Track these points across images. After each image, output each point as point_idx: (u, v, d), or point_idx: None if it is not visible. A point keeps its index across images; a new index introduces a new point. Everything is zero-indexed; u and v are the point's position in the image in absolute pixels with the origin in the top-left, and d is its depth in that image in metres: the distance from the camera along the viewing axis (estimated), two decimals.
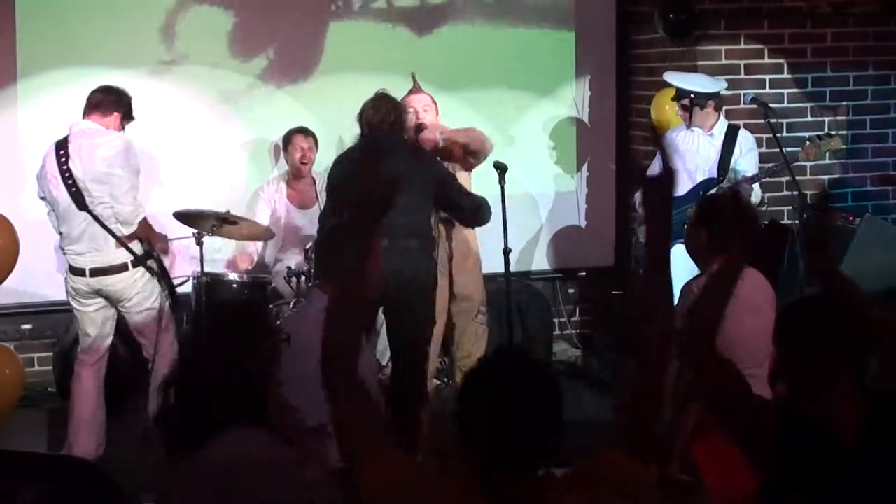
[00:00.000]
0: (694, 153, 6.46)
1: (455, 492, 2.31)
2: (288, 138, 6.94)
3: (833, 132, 6.76)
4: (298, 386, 3.53)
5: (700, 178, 6.44)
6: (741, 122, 6.73)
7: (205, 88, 7.15)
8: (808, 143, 6.46)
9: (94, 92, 5.81)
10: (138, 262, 5.71)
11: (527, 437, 2.31)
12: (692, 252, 4.49)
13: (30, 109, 6.88)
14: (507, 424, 2.30)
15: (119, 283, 5.72)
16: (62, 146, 5.70)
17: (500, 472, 2.30)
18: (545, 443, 2.33)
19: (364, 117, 5.65)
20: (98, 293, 5.76)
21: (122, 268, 5.70)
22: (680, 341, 2.75)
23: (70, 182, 5.63)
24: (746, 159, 6.49)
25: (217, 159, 7.22)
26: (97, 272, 5.69)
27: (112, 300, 5.79)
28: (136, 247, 5.74)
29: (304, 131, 6.93)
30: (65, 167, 5.65)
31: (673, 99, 6.65)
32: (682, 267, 5.87)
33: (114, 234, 5.66)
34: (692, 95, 6.45)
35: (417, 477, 2.35)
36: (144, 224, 5.75)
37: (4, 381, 6.11)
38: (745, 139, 6.52)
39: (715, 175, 6.41)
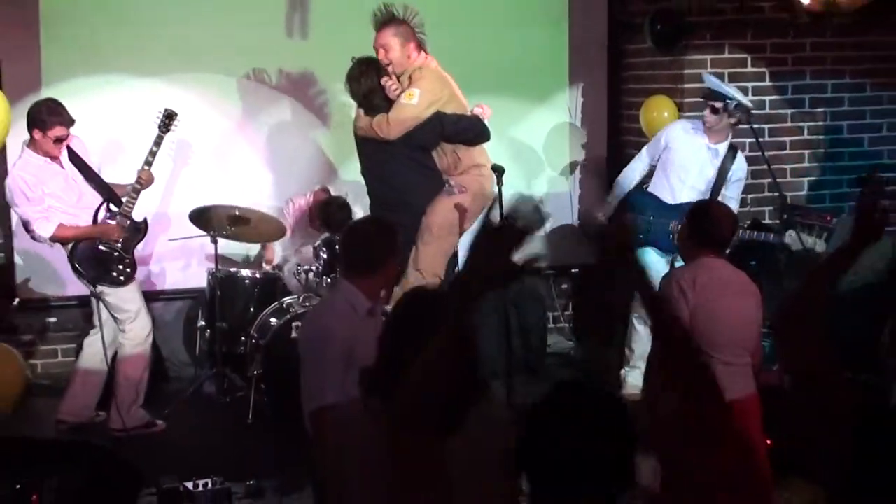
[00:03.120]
0: (689, 166, 6.54)
1: None
2: None
3: None
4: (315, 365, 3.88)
5: (688, 191, 6.52)
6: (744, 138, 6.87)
7: (224, 97, 7.33)
8: None
9: None
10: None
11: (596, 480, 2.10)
12: (679, 244, 4.97)
13: None
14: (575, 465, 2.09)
15: None
16: None
17: None
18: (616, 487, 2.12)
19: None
20: None
21: None
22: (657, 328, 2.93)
23: None
24: (735, 186, 6.58)
25: (235, 166, 7.40)
26: None
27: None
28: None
29: None
30: None
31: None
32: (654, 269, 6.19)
33: None
34: (727, 101, 6.41)
35: None
36: (64, 230, 6.04)
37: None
38: (739, 165, 6.57)
39: (706, 195, 6.43)
